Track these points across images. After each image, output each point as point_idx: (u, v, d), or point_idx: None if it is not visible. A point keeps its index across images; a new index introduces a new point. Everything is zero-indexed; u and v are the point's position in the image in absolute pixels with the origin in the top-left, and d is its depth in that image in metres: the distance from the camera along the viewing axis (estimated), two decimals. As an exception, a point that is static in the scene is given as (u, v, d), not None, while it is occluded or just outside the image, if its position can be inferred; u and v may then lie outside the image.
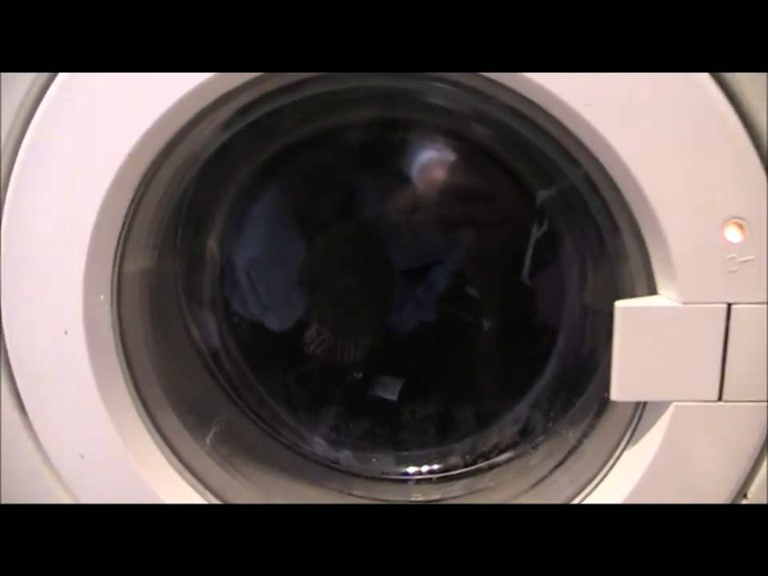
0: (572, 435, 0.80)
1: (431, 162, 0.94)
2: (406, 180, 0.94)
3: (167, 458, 0.73)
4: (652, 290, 0.64)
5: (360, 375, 0.98)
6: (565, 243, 0.89)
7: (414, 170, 0.94)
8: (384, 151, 0.93)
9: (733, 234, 0.59)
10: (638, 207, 0.61)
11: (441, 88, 0.77)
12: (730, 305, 0.61)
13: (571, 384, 0.88)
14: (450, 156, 0.94)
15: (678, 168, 0.58)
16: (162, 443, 0.73)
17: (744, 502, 0.66)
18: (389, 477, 0.93)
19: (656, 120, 0.58)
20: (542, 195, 0.87)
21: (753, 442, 0.64)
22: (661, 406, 0.64)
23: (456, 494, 0.89)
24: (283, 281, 0.98)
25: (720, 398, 0.63)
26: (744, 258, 0.59)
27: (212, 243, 0.93)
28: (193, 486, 0.74)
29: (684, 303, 0.61)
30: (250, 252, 0.96)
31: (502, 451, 0.92)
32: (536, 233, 0.90)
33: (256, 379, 0.97)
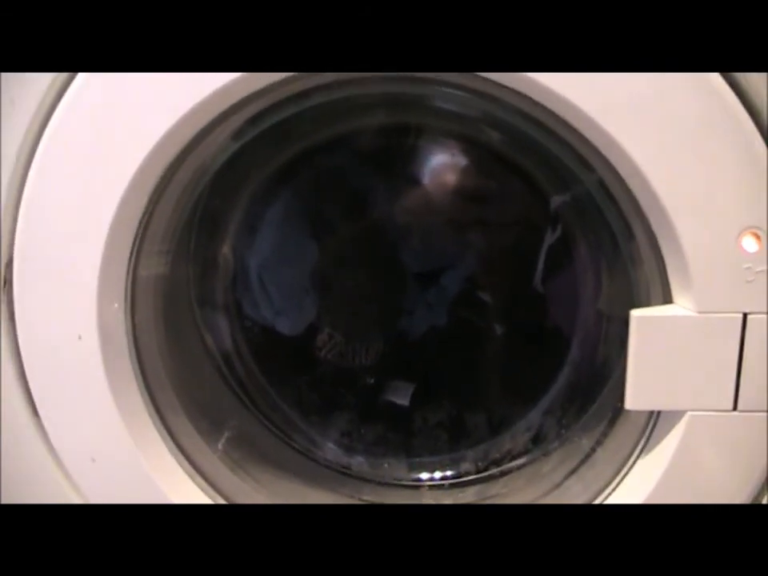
0: (585, 443, 0.80)
1: (443, 166, 0.94)
2: (418, 185, 0.94)
3: (179, 463, 0.73)
4: (667, 299, 0.63)
5: (372, 380, 0.98)
6: (579, 249, 0.89)
7: (426, 175, 0.94)
8: (396, 156, 0.93)
9: (749, 244, 0.59)
10: (653, 215, 0.61)
11: (452, 93, 0.77)
12: (745, 314, 0.60)
13: (584, 391, 0.88)
14: (463, 161, 0.94)
15: (694, 176, 0.58)
16: (174, 448, 0.73)
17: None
18: (401, 483, 0.93)
19: (672, 127, 0.58)
20: (556, 200, 0.87)
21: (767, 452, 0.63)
22: (675, 416, 0.64)
23: (468, 500, 0.88)
24: (295, 285, 0.98)
25: (735, 408, 0.62)
26: (760, 268, 0.59)
27: (225, 248, 0.93)
28: (204, 491, 0.74)
29: (699, 312, 0.61)
30: (262, 256, 0.96)
31: (514, 458, 0.91)
32: (549, 238, 0.90)
33: (268, 383, 0.97)
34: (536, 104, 0.61)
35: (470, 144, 0.92)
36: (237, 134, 0.74)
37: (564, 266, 0.91)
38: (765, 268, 0.59)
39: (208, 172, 0.78)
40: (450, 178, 0.94)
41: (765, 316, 0.60)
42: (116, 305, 0.67)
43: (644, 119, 0.58)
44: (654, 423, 0.67)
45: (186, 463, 0.74)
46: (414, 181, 0.94)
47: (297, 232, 0.96)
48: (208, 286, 0.93)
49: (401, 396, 0.98)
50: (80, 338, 0.66)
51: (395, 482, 0.93)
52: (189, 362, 0.86)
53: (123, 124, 0.61)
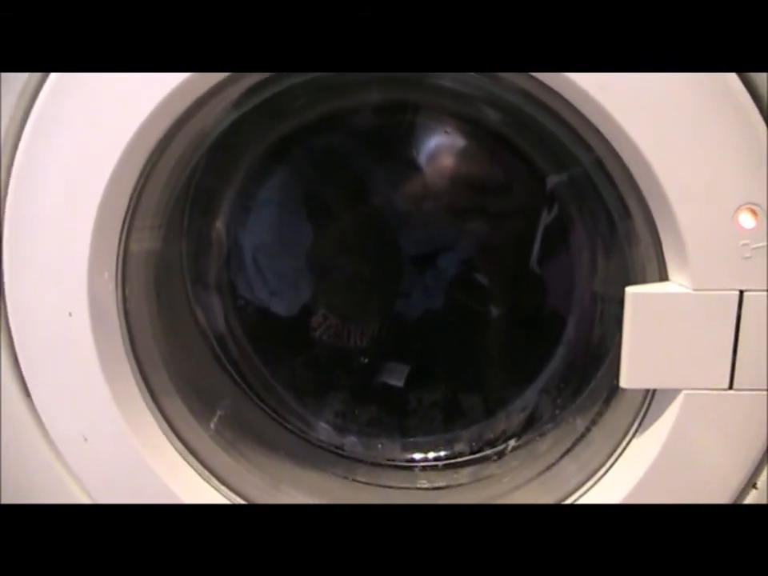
0: (580, 423, 0.79)
1: (441, 146, 0.94)
2: (414, 164, 0.93)
3: (171, 442, 0.73)
4: (663, 277, 0.63)
5: (367, 361, 0.98)
6: (575, 229, 0.89)
7: (423, 154, 0.93)
8: (393, 134, 0.93)
9: (746, 220, 0.58)
10: (650, 192, 0.60)
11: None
12: (742, 292, 0.60)
13: (580, 371, 0.88)
14: (460, 140, 0.93)
15: (691, 153, 0.58)
16: (165, 427, 0.73)
17: (753, 491, 0.66)
18: (394, 463, 0.93)
19: (670, 104, 0.57)
20: (553, 180, 0.86)
21: (763, 431, 0.63)
22: (670, 394, 0.64)
23: (462, 481, 0.88)
24: (290, 265, 0.97)
25: (731, 387, 0.62)
26: (757, 245, 0.58)
27: (219, 225, 0.93)
28: (196, 470, 0.74)
29: (696, 290, 0.60)
30: (257, 235, 0.96)
31: (509, 438, 0.91)
32: (546, 218, 0.89)
33: (262, 364, 0.97)
34: (535, 82, 0.60)
35: (467, 123, 0.91)
36: (237, 104, 0.74)
37: (560, 246, 0.91)
38: (762, 244, 0.58)
39: (204, 144, 0.78)
40: (447, 159, 0.94)
41: (762, 293, 0.60)
42: (106, 275, 0.67)
43: (642, 96, 0.57)
44: (649, 402, 0.66)
45: (177, 442, 0.74)
46: (411, 160, 0.93)
47: (291, 211, 0.96)
48: (201, 264, 0.93)
49: (396, 377, 0.97)
50: (71, 315, 0.65)
51: (388, 462, 0.93)
52: (181, 340, 0.85)
53: (114, 94, 0.61)
